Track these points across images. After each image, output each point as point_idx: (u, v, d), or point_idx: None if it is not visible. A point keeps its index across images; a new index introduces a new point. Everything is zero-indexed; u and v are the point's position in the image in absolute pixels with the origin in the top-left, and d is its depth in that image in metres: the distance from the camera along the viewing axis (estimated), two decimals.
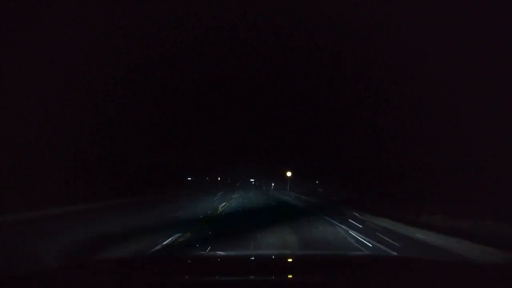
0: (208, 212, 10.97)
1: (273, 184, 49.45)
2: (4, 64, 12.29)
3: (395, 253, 4.93)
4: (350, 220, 9.08)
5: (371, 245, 5.65)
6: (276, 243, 5.72)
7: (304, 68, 33.11)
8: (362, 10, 17.71)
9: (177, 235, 5.93)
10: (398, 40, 16.23)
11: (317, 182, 34.37)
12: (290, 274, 1.62)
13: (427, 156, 14.17)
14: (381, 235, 6.60)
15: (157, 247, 4.96)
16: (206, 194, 23.23)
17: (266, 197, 23.86)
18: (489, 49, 11.70)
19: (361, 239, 6.15)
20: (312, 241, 6.05)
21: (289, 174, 34.77)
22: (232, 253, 3.70)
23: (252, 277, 1.48)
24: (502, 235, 5.81)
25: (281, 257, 2.27)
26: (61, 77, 14.97)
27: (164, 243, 5.25)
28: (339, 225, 8.19)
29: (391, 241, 5.96)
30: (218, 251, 4.54)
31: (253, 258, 2.12)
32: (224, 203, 15.20)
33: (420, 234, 6.69)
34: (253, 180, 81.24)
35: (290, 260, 2.12)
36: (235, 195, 23.38)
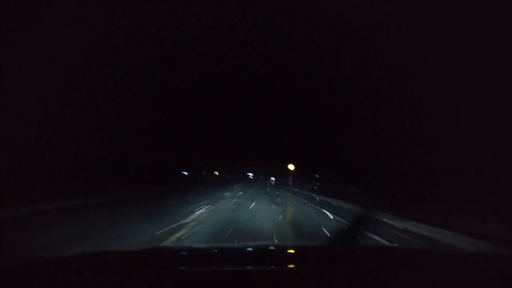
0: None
1: (273, 179, 44.86)
2: (5, 65, 12.28)
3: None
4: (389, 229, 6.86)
5: None
6: None
7: (303, 67, 33.10)
8: (362, 10, 17.71)
9: None
10: (398, 40, 16.22)
11: (316, 176, 33.23)
12: (289, 264, 1.61)
13: (439, 156, 14.03)
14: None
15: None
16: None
17: (268, 197, 16.14)
18: (489, 49, 11.69)
19: None
20: None
21: (291, 167, 30.02)
22: (228, 245, 3.64)
23: (249, 267, 1.47)
24: None
25: (279, 248, 2.25)
26: (61, 76, 14.97)
27: None
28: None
29: None
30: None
31: (250, 249, 2.09)
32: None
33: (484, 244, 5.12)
34: (251, 174, 79.62)
35: (288, 251, 2.09)
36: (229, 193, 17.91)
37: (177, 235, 5.36)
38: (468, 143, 12.37)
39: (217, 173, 70.92)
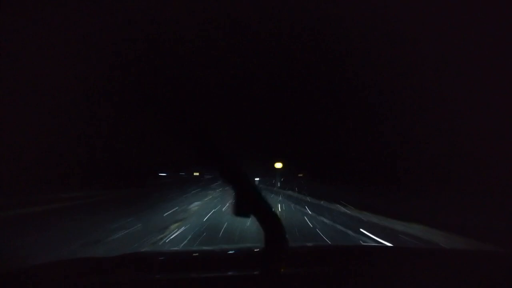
0: None
1: (257, 180, 37.75)
2: (5, 65, 12.08)
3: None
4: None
5: None
6: None
7: (290, 64, 33.18)
8: (363, 11, 17.75)
9: None
10: (398, 40, 16.31)
11: (300, 175, 32.52)
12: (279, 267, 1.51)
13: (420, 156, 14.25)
14: None
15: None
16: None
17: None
18: (498, 50, 11.78)
19: None
20: None
21: (279, 165, 25.00)
22: (209, 248, 3.54)
23: (234, 272, 1.38)
24: None
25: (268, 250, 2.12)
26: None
27: None
28: None
29: None
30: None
31: (232, 251, 1.97)
32: None
33: None
34: None
35: (278, 253, 1.98)
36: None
37: None
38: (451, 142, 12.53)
39: (197, 173, 69.39)
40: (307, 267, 1.47)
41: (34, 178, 14.89)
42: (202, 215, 9.38)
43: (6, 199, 10.93)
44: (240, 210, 1.14)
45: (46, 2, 14.23)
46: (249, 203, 1.15)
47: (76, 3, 15.64)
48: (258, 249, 2.16)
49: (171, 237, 6.14)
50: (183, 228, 7.17)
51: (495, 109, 11.64)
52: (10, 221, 8.37)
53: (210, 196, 17.50)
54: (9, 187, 12.36)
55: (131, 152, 26.62)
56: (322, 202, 14.72)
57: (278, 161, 25.35)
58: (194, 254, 1.96)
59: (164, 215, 9.36)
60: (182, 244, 5.48)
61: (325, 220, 9.15)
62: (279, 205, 13.66)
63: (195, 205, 12.36)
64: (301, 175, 33.13)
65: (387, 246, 4.72)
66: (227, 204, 12.41)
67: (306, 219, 9.38)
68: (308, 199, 16.87)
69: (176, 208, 11.07)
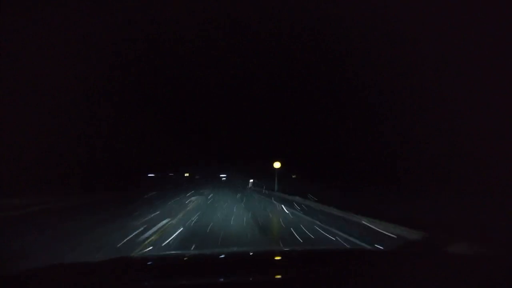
0: None
1: (251, 181, 33.41)
2: (5, 65, 12.07)
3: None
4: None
5: None
6: None
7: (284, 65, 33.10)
8: (363, 11, 17.75)
9: None
10: (398, 40, 16.30)
11: (293, 176, 31.94)
12: (274, 271, 1.49)
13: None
14: None
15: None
16: None
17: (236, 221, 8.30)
18: (498, 50, 11.79)
19: None
20: None
21: (277, 165, 22.47)
22: (200, 252, 3.36)
23: (227, 278, 1.34)
24: None
25: (261, 254, 2.11)
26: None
27: None
28: None
29: None
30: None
31: (223, 256, 1.93)
32: None
33: None
34: (224, 176, 69.29)
35: (271, 257, 1.96)
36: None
37: None
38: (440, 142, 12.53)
39: (187, 174, 68.12)
40: (307, 269, 1.46)
41: (34, 178, 14.87)
42: None
43: None
44: None
45: (46, 2, 14.23)
46: None
47: (76, 3, 15.66)
48: (252, 253, 2.15)
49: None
50: None
51: (495, 109, 11.64)
52: None
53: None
54: (9, 187, 12.30)
55: (131, 152, 26.42)
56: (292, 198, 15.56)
57: (277, 160, 22.03)
58: (184, 259, 1.92)
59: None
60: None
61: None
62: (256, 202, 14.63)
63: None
64: (294, 176, 32.45)
65: (387, 249, 4.72)
66: None
67: (278, 211, 11.41)
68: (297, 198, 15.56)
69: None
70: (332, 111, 27.39)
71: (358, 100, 22.37)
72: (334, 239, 6.11)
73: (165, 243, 5.48)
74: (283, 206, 12.53)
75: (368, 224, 7.52)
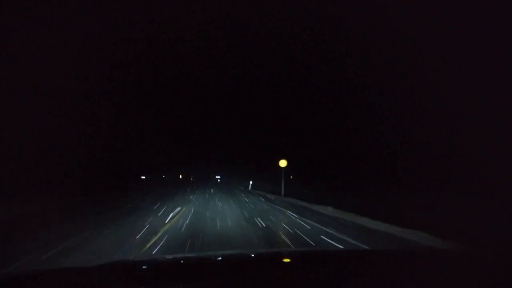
0: None
1: (251, 183, 30.13)
2: (5, 65, 12.06)
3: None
4: None
5: None
6: None
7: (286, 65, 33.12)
8: (363, 11, 17.75)
9: None
10: (398, 40, 16.30)
11: (291, 177, 31.21)
12: (274, 272, 1.48)
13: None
14: None
15: None
16: None
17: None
18: (498, 50, 11.78)
19: None
20: None
21: (283, 164, 19.04)
22: (197, 254, 3.27)
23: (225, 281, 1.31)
24: None
25: (261, 256, 2.10)
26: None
27: None
28: None
29: None
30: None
31: (220, 258, 1.91)
32: None
33: None
34: (219, 177, 68.11)
35: (271, 258, 1.95)
36: None
37: None
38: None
39: (181, 176, 66.82)
40: (307, 270, 1.45)
41: (34, 178, 14.85)
42: None
43: None
44: None
45: (46, 2, 14.22)
46: None
47: (76, 3, 15.64)
48: (251, 255, 2.12)
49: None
50: None
51: (495, 109, 11.63)
52: None
53: None
54: (9, 187, 12.28)
55: (131, 152, 26.31)
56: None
57: (282, 158, 19.23)
58: (181, 262, 1.88)
59: None
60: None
61: None
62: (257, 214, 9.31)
63: None
64: (291, 177, 32.82)
65: (387, 249, 4.71)
66: None
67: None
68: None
69: None
70: (332, 111, 27.38)
71: (358, 100, 22.40)
72: None
73: None
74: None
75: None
